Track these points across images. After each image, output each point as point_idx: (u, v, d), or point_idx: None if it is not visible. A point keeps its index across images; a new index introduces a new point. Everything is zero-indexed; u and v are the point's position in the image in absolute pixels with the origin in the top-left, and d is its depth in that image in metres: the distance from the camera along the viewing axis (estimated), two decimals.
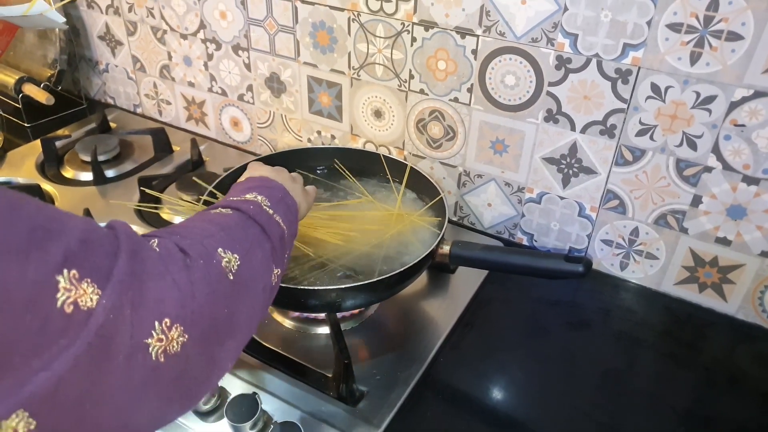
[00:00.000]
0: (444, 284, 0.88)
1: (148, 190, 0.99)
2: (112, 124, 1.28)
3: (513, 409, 0.72)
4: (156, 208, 0.98)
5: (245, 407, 0.64)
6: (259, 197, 0.59)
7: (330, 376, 0.73)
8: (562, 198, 0.89)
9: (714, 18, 0.68)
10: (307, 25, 0.97)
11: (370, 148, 1.04)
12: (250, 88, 1.12)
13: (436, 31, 0.86)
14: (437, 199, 0.85)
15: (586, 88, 0.79)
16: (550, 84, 0.81)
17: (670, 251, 0.85)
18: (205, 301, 0.44)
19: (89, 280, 0.35)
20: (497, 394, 0.74)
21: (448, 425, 0.70)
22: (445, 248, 0.77)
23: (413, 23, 0.87)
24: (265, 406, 0.67)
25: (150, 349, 0.39)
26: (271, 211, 0.58)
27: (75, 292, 0.34)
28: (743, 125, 0.72)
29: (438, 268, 0.89)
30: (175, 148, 1.19)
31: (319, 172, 0.97)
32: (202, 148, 1.17)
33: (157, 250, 0.43)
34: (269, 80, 1.08)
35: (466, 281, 0.88)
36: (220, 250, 0.48)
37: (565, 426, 0.70)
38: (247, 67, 1.09)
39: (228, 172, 0.89)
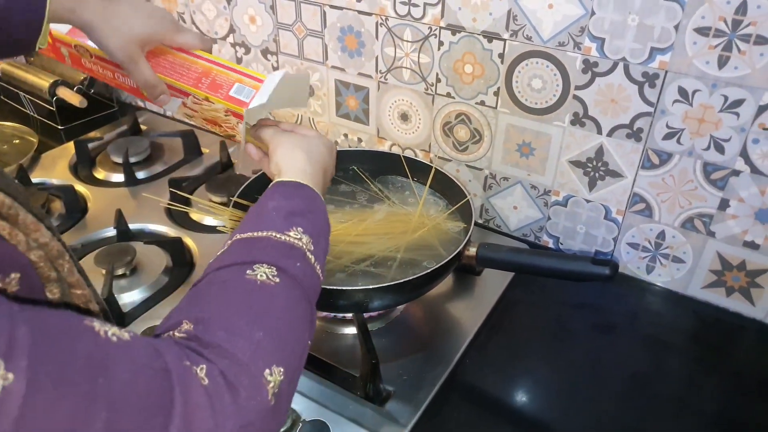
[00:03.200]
0: (470, 286, 0.89)
1: (178, 192, 1.01)
2: (143, 127, 1.31)
3: (538, 412, 0.73)
4: (186, 207, 1.00)
5: None
6: (304, 238, 0.52)
7: (357, 375, 0.74)
8: (588, 201, 0.90)
9: (742, 22, 0.68)
10: (336, 29, 0.99)
11: (396, 151, 1.05)
12: None
13: (464, 35, 0.87)
14: (464, 201, 0.86)
15: (612, 92, 0.79)
16: (577, 87, 0.82)
17: (697, 255, 0.85)
18: None
19: None
20: (523, 396, 0.74)
21: (474, 426, 0.70)
22: (472, 250, 0.77)
23: (440, 27, 0.88)
24: (294, 404, 0.68)
25: None
26: (312, 258, 0.51)
27: None
28: None
29: (464, 270, 0.90)
30: (204, 150, 1.22)
31: (344, 174, 0.99)
32: (231, 150, 1.19)
33: (206, 384, 0.37)
34: None
35: (492, 284, 0.89)
36: (266, 372, 0.42)
37: (591, 429, 0.70)
38: (276, 70, 1.11)
39: (257, 174, 0.91)
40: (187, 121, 1.32)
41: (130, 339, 0.35)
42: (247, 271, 0.47)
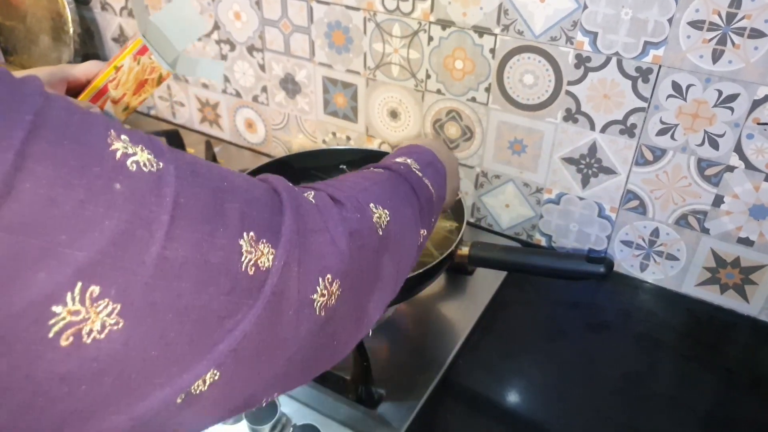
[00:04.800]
0: (462, 286, 0.87)
1: None
2: (126, 127, 1.28)
3: (532, 412, 0.72)
4: None
5: (264, 410, 0.64)
6: (408, 160, 0.59)
7: (348, 378, 0.72)
8: (581, 199, 0.88)
9: (737, 15, 0.67)
10: (323, 25, 0.97)
11: (386, 149, 1.03)
12: (264, 89, 1.12)
13: (454, 30, 0.85)
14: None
15: (605, 87, 0.78)
16: (569, 83, 0.81)
17: (691, 252, 0.84)
18: (358, 255, 0.44)
19: (264, 241, 0.36)
20: (517, 397, 0.73)
21: (467, 428, 0.69)
22: (465, 249, 0.76)
23: (430, 22, 0.87)
24: (284, 408, 0.66)
25: (315, 304, 0.40)
26: (419, 173, 0.58)
27: (255, 254, 0.36)
28: (766, 123, 0.71)
29: (456, 270, 0.88)
30: (189, 149, 1.19)
31: (333, 173, 0.97)
32: (216, 150, 1.17)
33: (314, 202, 0.43)
34: (284, 81, 1.08)
35: (485, 283, 0.87)
36: (372, 204, 0.48)
37: (585, 429, 0.69)
38: (262, 68, 1.09)
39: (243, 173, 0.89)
40: (171, 120, 1.30)
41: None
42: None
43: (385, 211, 0.49)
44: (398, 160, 0.59)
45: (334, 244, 0.42)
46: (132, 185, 0.30)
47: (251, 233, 0.36)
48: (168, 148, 0.35)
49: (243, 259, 0.35)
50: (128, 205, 0.30)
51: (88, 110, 0.32)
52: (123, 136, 0.32)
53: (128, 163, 0.31)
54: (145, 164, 0.32)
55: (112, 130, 0.32)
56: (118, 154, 0.31)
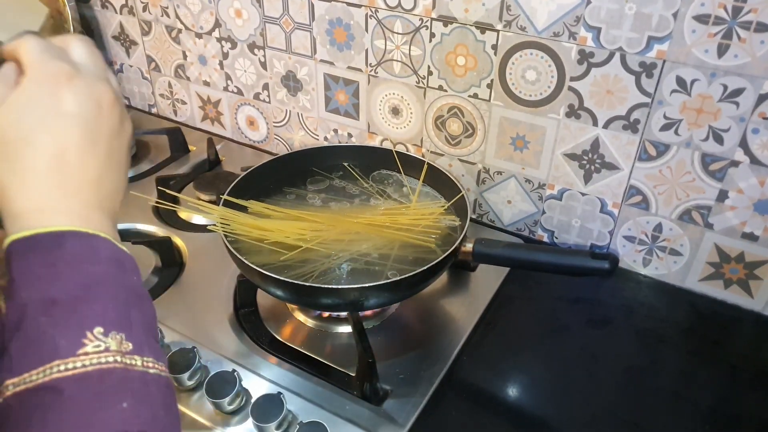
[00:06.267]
0: (465, 282, 0.87)
1: (166, 190, 0.98)
2: None
3: (536, 407, 0.72)
4: (174, 206, 0.98)
5: (270, 407, 0.63)
6: (111, 342, 0.34)
7: (353, 375, 0.72)
8: (583, 194, 0.88)
9: (743, 9, 0.67)
10: (324, 22, 0.97)
11: (387, 146, 1.03)
12: (266, 86, 1.11)
13: (456, 26, 0.85)
14: (458, 196, 0.84)
15: (609, 83, 0.78)
16: (572, 79, 0.80)
17: (695, 247, 0.84)
18: None
19: None
20: (520, 392, 0.73)
21: (472, 424, 0.69)
22: (468, 246, 0.76)
23: (432, 19, 0.86)
24: (290, 405, 0.66)
25: None
26: (138, 361, 0.35)
27: None
28: None
29: (459, 266, 0.88)
30: (191, 147, 1.19)
31: (335, 171, 0.97)
32: (218, 147, 1.17)
33: None
34: (285, 78, 1.07)
35: (487, 279, 0.87)
36: None
37: (588, 424, 0.69)
38: (263, 65, 1.08)
39: (246, 171, 0.88)
40: (173, 118, 1.30)
41: None
42: None
43: None
44: (90, 349, 0.33)
45: None
46: None
47: None
48: None
49: None
50: None
51: None
52: None
53: None
54: None
55: None
56: None
